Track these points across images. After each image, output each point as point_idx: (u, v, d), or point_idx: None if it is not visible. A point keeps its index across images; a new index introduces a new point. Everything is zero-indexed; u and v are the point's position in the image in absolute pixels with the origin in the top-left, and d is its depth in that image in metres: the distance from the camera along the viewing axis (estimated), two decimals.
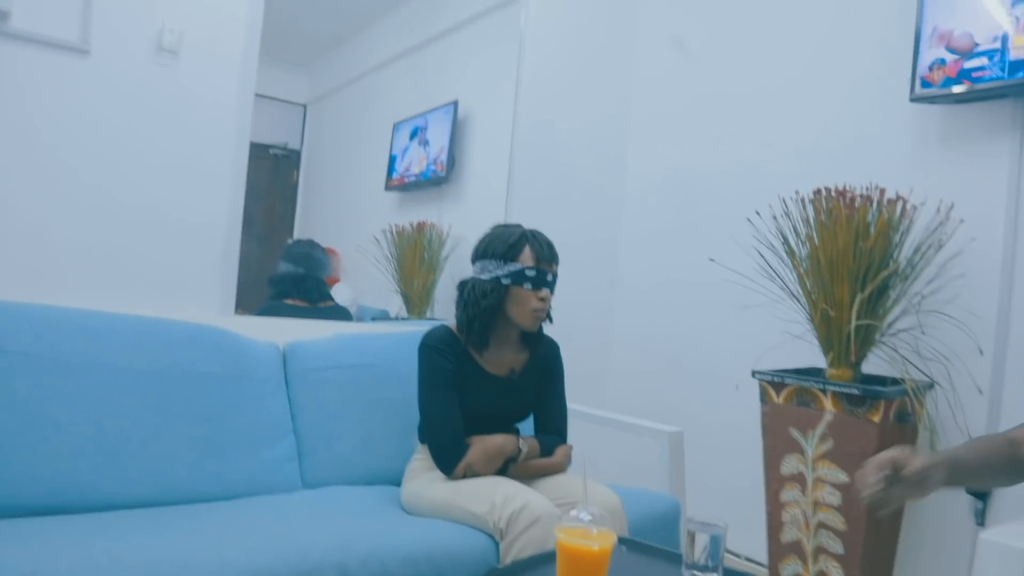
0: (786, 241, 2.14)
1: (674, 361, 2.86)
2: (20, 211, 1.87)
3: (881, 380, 2.04)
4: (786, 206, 2.14)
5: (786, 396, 2.09)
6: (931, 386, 2.05)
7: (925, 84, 2.07)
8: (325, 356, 2.04)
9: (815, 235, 2.07)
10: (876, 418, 1.90)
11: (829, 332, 2.06)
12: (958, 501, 2.03)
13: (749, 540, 2.32)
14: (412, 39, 3.29)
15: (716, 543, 1.24)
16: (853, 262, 1.99)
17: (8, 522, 1.47)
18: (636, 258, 3.06)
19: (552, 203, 2.88)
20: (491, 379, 1.83)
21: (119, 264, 2.00)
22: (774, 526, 2.13)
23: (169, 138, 2.06)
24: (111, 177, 1.98)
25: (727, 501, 2.23)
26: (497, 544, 1.57)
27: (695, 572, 1.22)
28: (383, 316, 3.02)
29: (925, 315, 2.05)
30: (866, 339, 2.03)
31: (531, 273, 1.75)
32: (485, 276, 1.78)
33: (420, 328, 2.05)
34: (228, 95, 2.15)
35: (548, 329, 1.89)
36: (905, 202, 2.02)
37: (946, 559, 2.08)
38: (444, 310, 2.95)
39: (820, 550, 2.00)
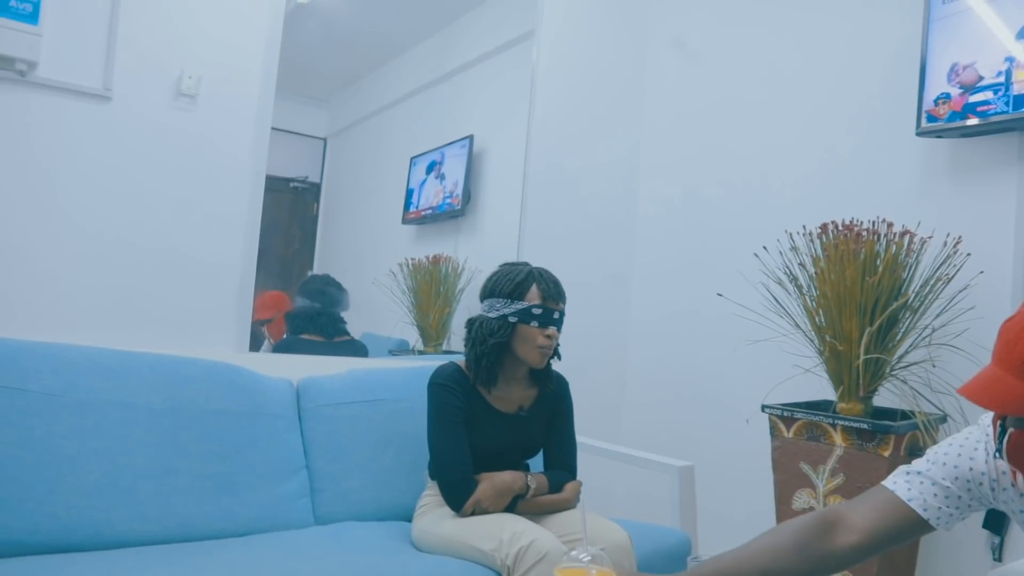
0: (794, 276, 2.15)
1: (686, 394, 2.86)
2: (40, 253, 1.93)
3: (892, 414, 2.03)
4: (793, 240, 2.15)
5: (796, 430, 2.09)
6: (943, 419, 2.03)
7: (931, 118, 2.09)
8: (338, 392, 2.06)
9: (823, 269, 2.07)
10: (886, 452, 1.89)
11: (839, 366, 2.05)
12: (975, 536, 2.00)
13: None
14: (428, 75, 3.36)
15: None
16: (861, 296, 1.99)
17: (24, 560, 1.50)
18: (648, 292, 3.08)
19: (565, 238, 2.92)
20: (500, 416, 1.84)
21: (136, 304, 2.05)
22: None
23: (186, 180, 2.12)
24: (128, 218, 2.04)
25: (738, 535, 2.19)
26: None
27: None
28: (403, 346, 3.05)
29: (936, 348, 2.04)
30: (876, 373, 2.02)
31: (538, 311, 1.77)
32: (493, 314, 1.81)
33: (432, 363, 2.08)
34: (244, 137, 2.21)
35: (563, 363, 1.91)
36: (913, 236, 2.02)
37: None
38: (459, 343, 2.96)
39: None
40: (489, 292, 1.84)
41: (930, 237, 2.05)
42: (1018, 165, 2.01)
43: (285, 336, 2.70)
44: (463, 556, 1.65)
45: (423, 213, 3.30)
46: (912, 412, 1.94)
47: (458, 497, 1.73)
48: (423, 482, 1.95)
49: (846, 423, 1.97)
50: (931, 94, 2.08)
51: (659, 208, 3.07)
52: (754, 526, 2.30)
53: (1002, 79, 1.95)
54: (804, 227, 2.14)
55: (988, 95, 1.97)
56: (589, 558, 1.14)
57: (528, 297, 1.78)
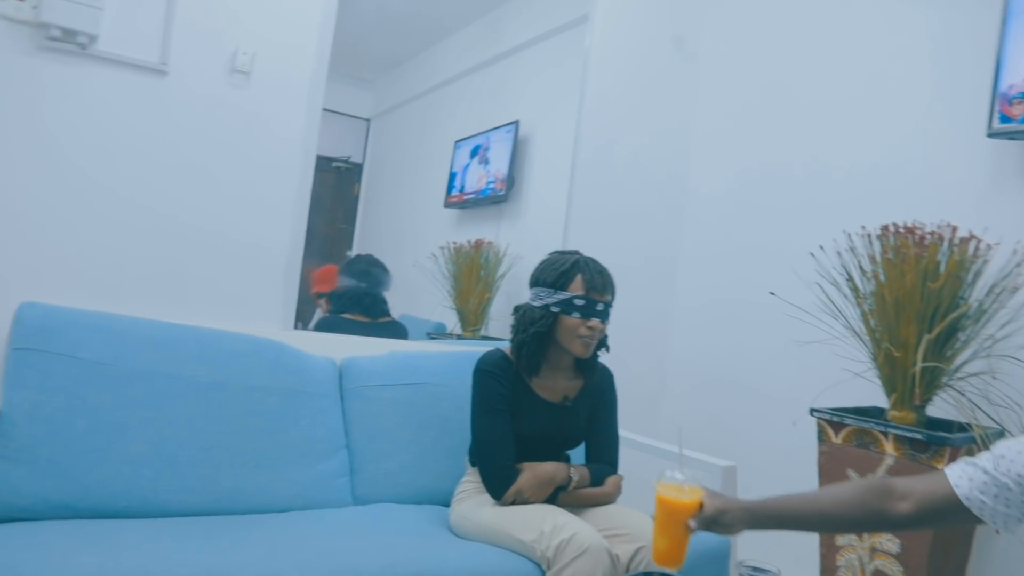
0: (850, 278, 2.09)
1: (729, 390, 2.81)
2: (93, 223, 1.94)
3: (947, 425, 1.96)
4: (851, 241, 2.09)
5: (845, 436, 2.03)
6: (1001, 434, 1.96)
7: (1004, 119, 2.00)
8: (380, 374, 2.07)
9: (881, 272, 2.01)
10: (941, 465, 1.83)
11: (893, 373, 1.99)
12: None
13: (800, 568, 2.25)
14: (475, 58, 3.33)
15: None
16: (921, 302, 1.92)
17: (74, 523, 1.53)
18: (694, 280, 3.02)
19: (611, 223, 2.87)
20: (544, 404, 1.83)
21: (184, 278, 2.06)
22: (828, 570, 2.06)
23: (237, 157, 2.12)
24: (180, 193, 2.05)
25: (779, 542, 2.16)
26: (543, 573, 1.57)
27: None
28: (440, 330, 3.05)
29: (997, 360, 1.97)
30: (932, 382, 1.96)
31: (580, 303, 1.74)
32: (537, 303, 1.79)
33: (474, 348, 2.07)
34: (296, 116, 2.21)
35: (603, 354, 1.88)
36: (979, 241, 1.95)
37: None
38: (498, 328, 2.96)
39: None
40: (535, 280, 1.82)
41: (997, 244, 1.97)
42: None
43: (328, 314, 2.71)
44: (501, 545, 1.64)
45: (465, 197, 3.29)
46: (969, 424, 1.88)
47: (499, 485, 1.72)
48: (462, 467, 1.94)
49: (899, 432, 1.91)
50: (1005, 93, 1.99)
51: (710, 193, 3.00)
52: (795, 532, 2.27)
53: None
54: (863, 228, 2.08)
55: None
56: (683, 477, 1.30)
57: (572, 287, 1.75)
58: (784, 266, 2.47)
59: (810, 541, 2.13)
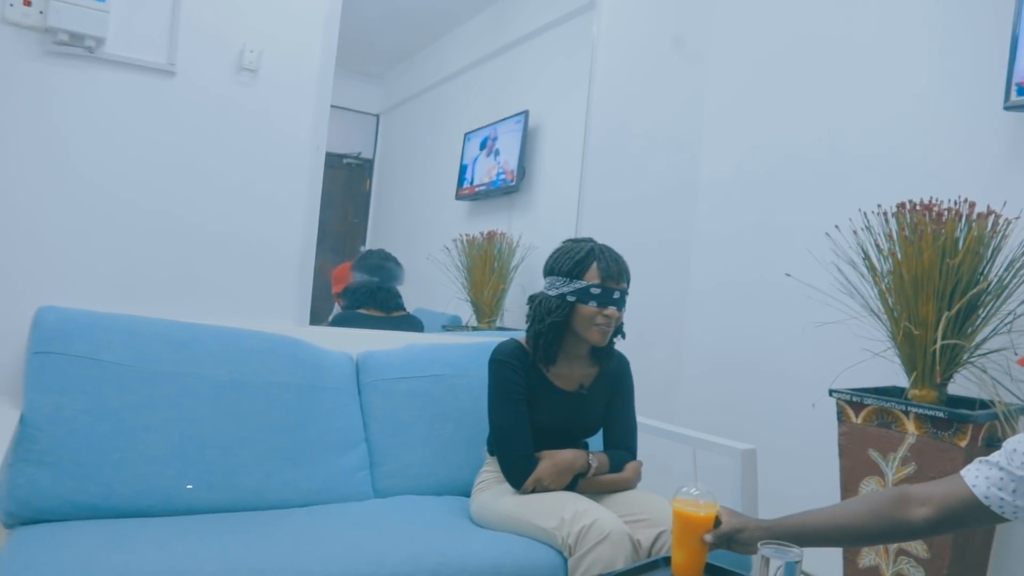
0: (867, 256, 2.07)
1: (747, 373, 2.79)
2: (106, 226, 1.96)
3: (969, 402, 1.94)
4: (867, 220, 2.06)
5: (865, 416, 2.02)
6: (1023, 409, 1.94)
7: (1022, 91, 1.97)
8: (397, 367, 2.07)
9: (898, 251, 1.99)
10: (963, 443, 1.81)
11: (913, 351, 1.97)
12: None
13: (824, 564, 2.24)
14: (482, 50, 3.31)
15: (791, 570, 1.21)
16: (939, 279, 1.90)
17: (99, 523, 1.55)
18: (709, 263, 3.00)
19: (624, 209, 2.86)
20: (560, 393, 1.82)
21: (198, 278, 2.07)
22: (851, 550, 2.05)
23: (247, 156, 2.13)
24: (191, 194, 2.06)
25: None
26: (565, 560, 1.57)
27: None
28: (455, 322, 3.05)
29: (1018, 335, 1.94)
30: (953, 359, 1.94)
31: (596, 291, 1.74)
32: (552, 292, 1.78)
33: (490, 339, 2.07)
34: (304, 113, 2.21)
35: (618, 340, 1.88)
36: (997, 216, 1.92)
37: None
38: (513, 319, 2.96)
39: None
40: (550, 269, 1.81)
41: (1016, 218, 1.95)
42: None
43: (343, 310, 2.72)
44: (523, 533, 1.65)
45: (477, 189, 3.28)
46: (992, 401, 1.86)
47: (519, 474, 1.73)
48: (481, 457, 1.95)
49: (920, 410, 1.89)
50: (1023, 65, 1.96)
51: (723, 174, 2.97)
52: (818, 547, 2.25)
53: None
54: (879, 206, 2.05)
55: None
56: (697, 492, 1.34)
57: (587, 276, 1.75)
58: (799, 246, 2.45)
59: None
